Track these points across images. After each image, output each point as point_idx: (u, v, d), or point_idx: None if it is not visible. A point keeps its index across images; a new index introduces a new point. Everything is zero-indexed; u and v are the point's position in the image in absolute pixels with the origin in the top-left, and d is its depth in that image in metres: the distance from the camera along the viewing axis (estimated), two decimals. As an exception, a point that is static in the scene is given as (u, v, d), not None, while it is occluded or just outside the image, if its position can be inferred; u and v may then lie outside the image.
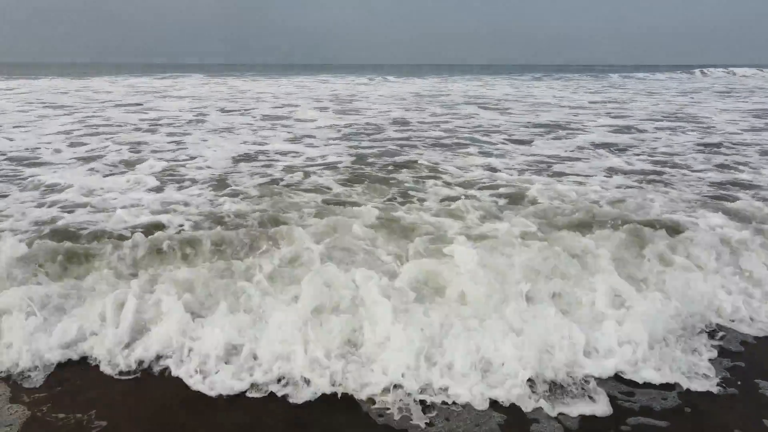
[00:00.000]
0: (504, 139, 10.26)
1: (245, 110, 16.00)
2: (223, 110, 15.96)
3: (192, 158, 8.03)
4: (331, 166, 7.50)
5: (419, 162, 7.71)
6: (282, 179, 6.70)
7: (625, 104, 18.77)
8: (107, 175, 6.90)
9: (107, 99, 20.20)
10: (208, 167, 7.41)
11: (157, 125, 12.04)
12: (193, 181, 6.57)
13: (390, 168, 7.39)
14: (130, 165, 7.53)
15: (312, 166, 7.55)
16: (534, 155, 8.57)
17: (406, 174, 7.00)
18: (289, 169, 7.26)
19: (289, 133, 10.96)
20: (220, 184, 6.46)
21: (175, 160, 7.85)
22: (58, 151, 8.66)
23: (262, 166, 7.49)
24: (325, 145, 9.31)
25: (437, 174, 7.04)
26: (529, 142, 9.85)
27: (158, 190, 6.18)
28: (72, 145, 9.32)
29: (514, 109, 16.80)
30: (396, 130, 11.44)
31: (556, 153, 8.76)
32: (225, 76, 50.95)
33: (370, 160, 7.98)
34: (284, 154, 8.46)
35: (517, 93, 25.72)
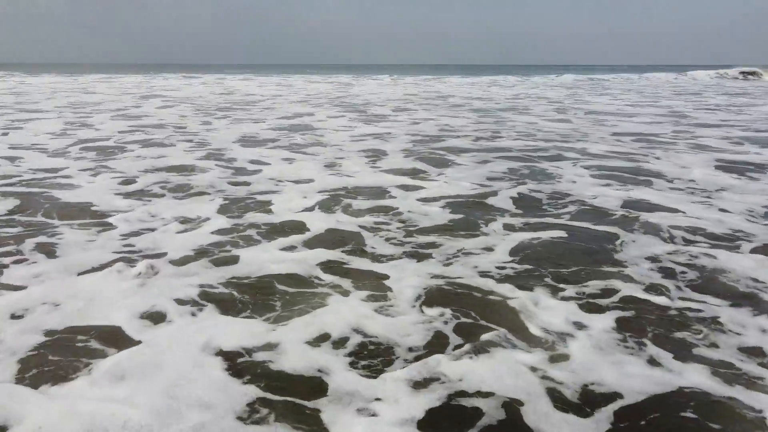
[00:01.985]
0: (608, 151, 7.76)
1: (258, 117, 13.04)
2: (231, 118, 12.95)
3: (264, 207, 5.19)
4: (494, 212, 4.84)
5: (614, 206, 5.11)
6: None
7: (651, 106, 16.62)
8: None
9: (97, 101, 16.80)
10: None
11: (170, 137, 9.04)
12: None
13: (587, 214, 4.78)
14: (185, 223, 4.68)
15: (470, 214, 4.85)
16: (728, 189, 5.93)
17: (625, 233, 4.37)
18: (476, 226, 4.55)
19: (343, 149, 8.18)
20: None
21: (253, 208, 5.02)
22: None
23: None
24: (439, 176, 6.58)
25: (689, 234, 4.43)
26: (652, 161, 7.38)
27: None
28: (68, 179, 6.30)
29: (545, 112, 14.40)
30: (467, 141, 8.80)
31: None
32: (218, 74, 47.03)
33: (521, 190, 5.35)
34: (407, 189, 5.69)
35: (523, 94, 23.42)
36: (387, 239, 4.08)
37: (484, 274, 3.40)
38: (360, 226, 4.40)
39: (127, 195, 5.41)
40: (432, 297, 3.07)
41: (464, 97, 21.26)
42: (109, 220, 4.54)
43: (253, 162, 7.15)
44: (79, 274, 3.34)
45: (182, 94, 21.80)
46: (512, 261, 3.65)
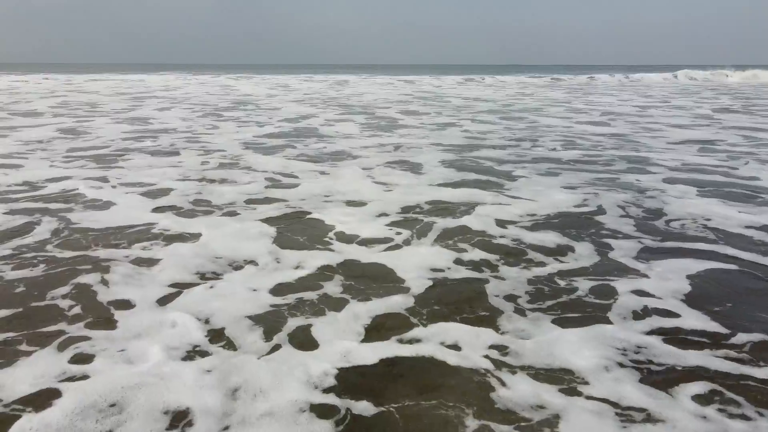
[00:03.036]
0: (689, 162, 6.72)
1: (261, 120, 11.80)
2: (233, 120, 11.70)
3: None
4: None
5: None
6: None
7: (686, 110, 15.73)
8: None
9: (94, 102, 15.33)
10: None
11: (177, 142, 7.80)
12: None
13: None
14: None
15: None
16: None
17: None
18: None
19: (372, 160, 7.04)
20: None
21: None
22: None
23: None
24: (511, 192, 5.49)
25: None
26: None
27: None
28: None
29: (562, 113, 13.38)
30: (508, 151, 7.69)
31: None
32: (214, 74, 45.26)
33: (623, 209, 4.25)
34: (487, 209, 4.55)
35: (521, 93, 22.41)
36: (514, 293, 2.94)
37: (712, 350, 2.29)
38: (463, 265, 3.28)
39: (158, 212, 4.22)
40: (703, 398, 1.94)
41: (466, 97, 20.20)
42: (153, 267, 3.33)
43: (281, 174, 5.97)
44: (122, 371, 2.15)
45: (179, 94, 20.49)
46: (721, 319, 2.55)
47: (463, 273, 3.22)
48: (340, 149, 7.73)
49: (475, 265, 3.34)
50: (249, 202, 4.81)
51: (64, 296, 2.84)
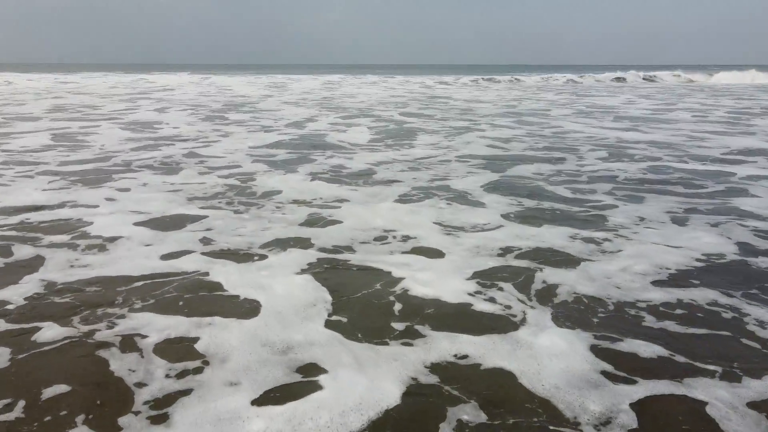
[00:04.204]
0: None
1: (264, 124, 10.61)
2: (235, 123, 10.49)
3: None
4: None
5: None
6: None
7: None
8: None
9: (88, 104, 13.93)
10: None
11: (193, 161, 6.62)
12: None
13: None
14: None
15: None
16: None
17: None
18: None
19: (405, 183, 5.94)
20: None
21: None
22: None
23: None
24: (614, 231, 4.38)
25: None
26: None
27: None
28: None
29: (579, 117, 12.40)
30: (548, 164, 6.63)
31: None
32: (210, 74, 43.50)
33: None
34: (595, 255, 3.37)
35: (521, 95, 21.42)
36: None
37: None
38: (645, 375, 2.17)
39: (173, 257, 3.07)
40: None
41: (465, 98, 19.16)
42: (190, 360, 2.16)
43: (307, 203, 4.80)
44: None
45: (178, 95, 19.45)
46: None
47: (657, 389, 2.11)
48: (362, 167, 6.53)
49: (667, 374, 2.22)
50: (283, 244, 3.65)
51: (60, 410, 1.68)
